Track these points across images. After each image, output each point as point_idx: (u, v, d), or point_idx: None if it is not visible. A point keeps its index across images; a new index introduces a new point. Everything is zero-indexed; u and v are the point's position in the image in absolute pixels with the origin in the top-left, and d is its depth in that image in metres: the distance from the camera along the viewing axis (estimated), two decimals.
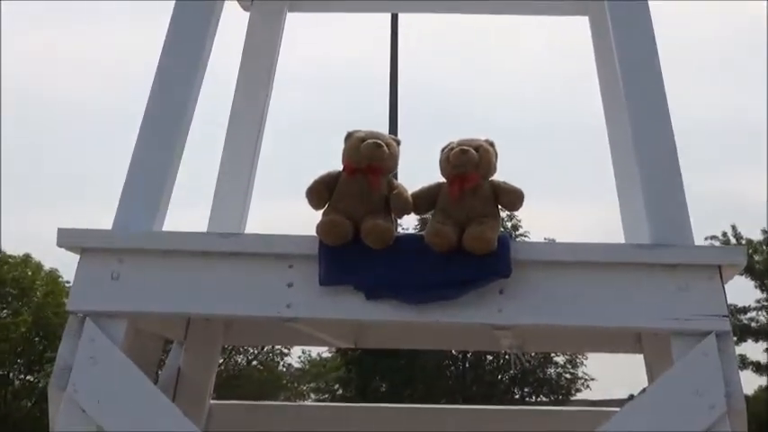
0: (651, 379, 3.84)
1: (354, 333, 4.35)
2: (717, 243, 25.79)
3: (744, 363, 27.10)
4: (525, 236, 25.61)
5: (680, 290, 3.00)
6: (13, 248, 28.58)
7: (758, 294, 28.36)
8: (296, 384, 35.14)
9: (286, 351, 33.05)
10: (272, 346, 31.59)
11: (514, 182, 3.16)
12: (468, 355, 29.07)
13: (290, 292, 3.09)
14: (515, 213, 25.36)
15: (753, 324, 28.40)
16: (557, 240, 3.76)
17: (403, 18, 15.91)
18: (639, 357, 4.11)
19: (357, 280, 3.06)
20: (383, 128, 4.47)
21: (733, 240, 28.19)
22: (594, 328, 3.32)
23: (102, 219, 3.57)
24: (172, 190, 3.33)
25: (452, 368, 29.92)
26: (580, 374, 30.28)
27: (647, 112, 3.24)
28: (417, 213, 3.23)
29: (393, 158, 3.21)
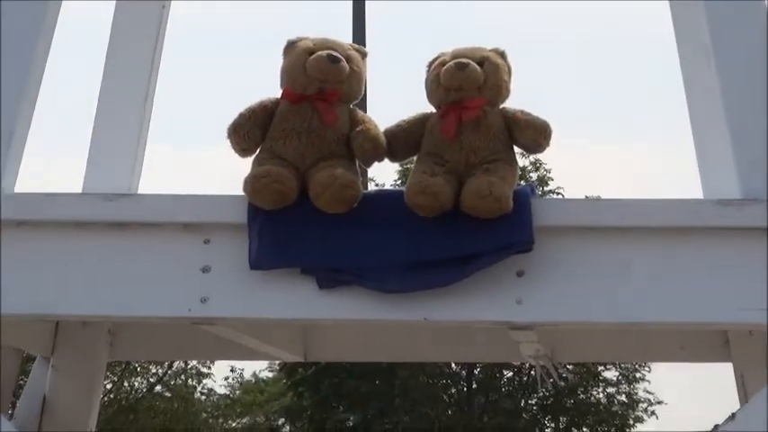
0: (744, 398, 3.87)
1: (303, 340, 4.35)
2: None
3: None
4: (558, 192, 25.69)
5: None
6: None
7: None
8: (221, 420, 35.24)
9: (206, 370, 33.12)
10: (185, 363, 31.64)
11: (538, 112, 3.17)
12: (476, 371, 29.23)
13: (207, 279, 3.09)
14: (540, 157, 25.56)
15: None
16: (602, 197, 3.75)
17: None
18: (727, 367, 4.14)
19: (305, 260, 3.07)
20: (345, 36, 4.42)
21: None
22: (659, 326, 3.34)
23: None
24: (27, 132, 3.32)
25: (452, 390, 30.08)
26: (641, 395, 30.53)
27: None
28: (394, 160, 3.24)
29: (356, 79, 3.21)
